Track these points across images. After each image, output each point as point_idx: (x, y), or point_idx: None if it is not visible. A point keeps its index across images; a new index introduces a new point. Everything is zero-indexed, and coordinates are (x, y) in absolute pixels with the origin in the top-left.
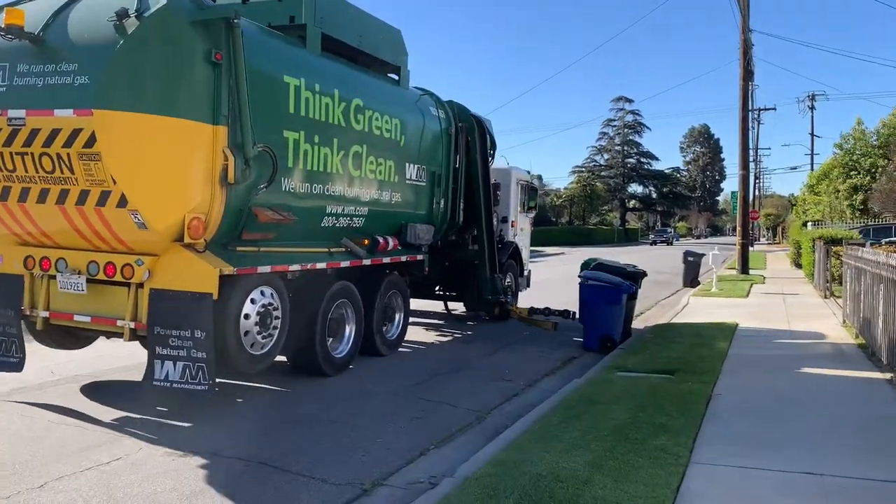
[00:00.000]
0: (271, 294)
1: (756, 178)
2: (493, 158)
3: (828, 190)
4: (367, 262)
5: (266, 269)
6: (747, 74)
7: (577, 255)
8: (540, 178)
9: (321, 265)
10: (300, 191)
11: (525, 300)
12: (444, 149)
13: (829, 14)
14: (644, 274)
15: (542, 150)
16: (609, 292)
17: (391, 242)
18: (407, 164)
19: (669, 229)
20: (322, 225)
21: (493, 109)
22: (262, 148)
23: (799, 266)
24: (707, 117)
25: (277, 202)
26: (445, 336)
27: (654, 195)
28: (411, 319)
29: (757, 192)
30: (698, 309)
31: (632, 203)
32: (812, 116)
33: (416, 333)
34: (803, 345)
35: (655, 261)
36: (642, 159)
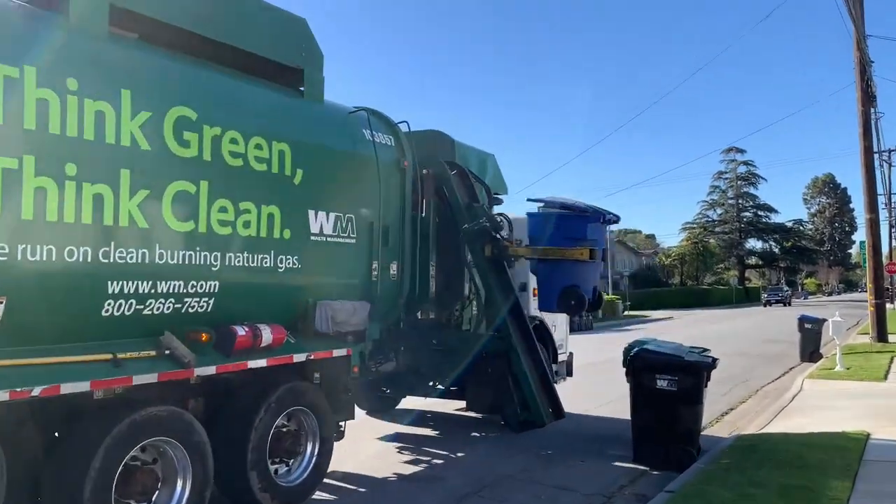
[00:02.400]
0: None
1: (893, 225)
2: (494, 203)
3: None
4: (208, 370)
5: None
6: (867, 98)
7: (686, 321)
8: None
9: (84, 386)
10: (28, 257)
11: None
12: (395, 190)
13: None
14: (712, 365)
15: (644, 204)
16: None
17: (268, 334)
18: (312, 212)
19: (785, 287)
20: (103, 314)
21: (566, 161)
22: None
23: None
24: (831, 165)
25: None
26: (419, 462)
27: (776, 250)
28: (385, 428)
29: (894, 242)
30: (813, 400)
31: (751, 260)
32: None
33: (378, 455)
34: None
35: (769, 326)
36: (759, 212)
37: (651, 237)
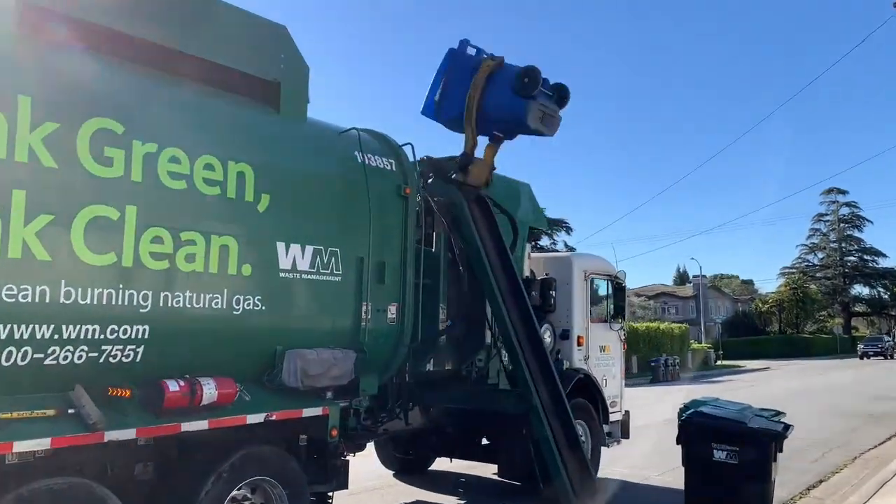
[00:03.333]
0: None
1: None
2: (521, 236)
3: None
4: (125, 435)
5: None
6: None
7: (783, 372)
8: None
9: None
10: None
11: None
12: (395, 221)
13: None
14: (782, 433)
15: (740, 248)
16: None
17: (211, 390)
18: (282, 245)
19: (886, 338)
20: None
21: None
22: None
23: None
24: None
25: None
26: None
27: (886, 297)
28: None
29: None
30: None
31: (858, 307)
32: None
33: None
34: None
35: (876, 380)
36: (866, 257)
37: (748, 283)
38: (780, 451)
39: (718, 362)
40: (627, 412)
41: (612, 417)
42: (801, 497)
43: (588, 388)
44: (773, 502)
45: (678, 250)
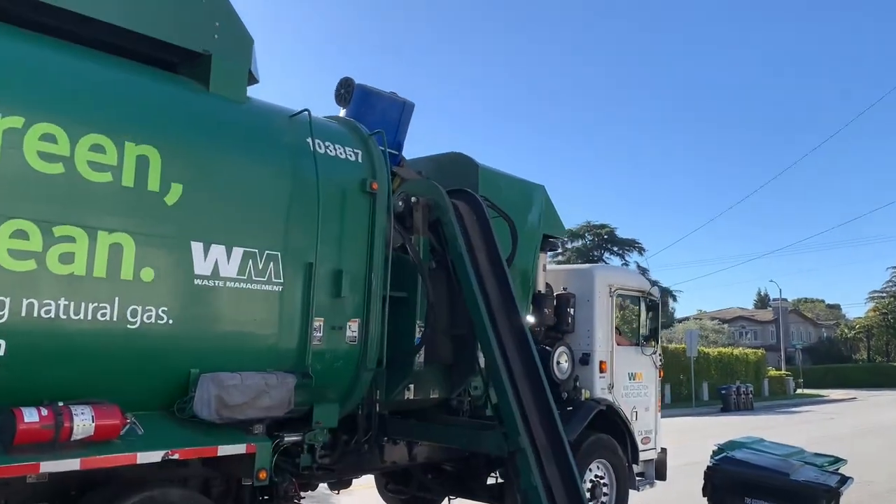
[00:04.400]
0: None
1: None
2: (537, 250)
3: None
4: None
5: None
6: None
7: (869, 403)
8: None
9: None
10: None
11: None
12: (357, 222)
13: None
14: (835, 490)
15: (825, 270)
16: None
17: (86, 422)
18: (199, 245)
19: None
20: None
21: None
22: None
23: None
24: None
25: None
26: None
27: None
28: None
29: None
30: None
31: None
32: None
33: None
34: None
35: None
36: None
37: (834, 307)
38: None
39: (798, 391)
40: (664, 450)
41: (645, 456)
42: None
43: (612, 422)
44: None
45: (759, 272)
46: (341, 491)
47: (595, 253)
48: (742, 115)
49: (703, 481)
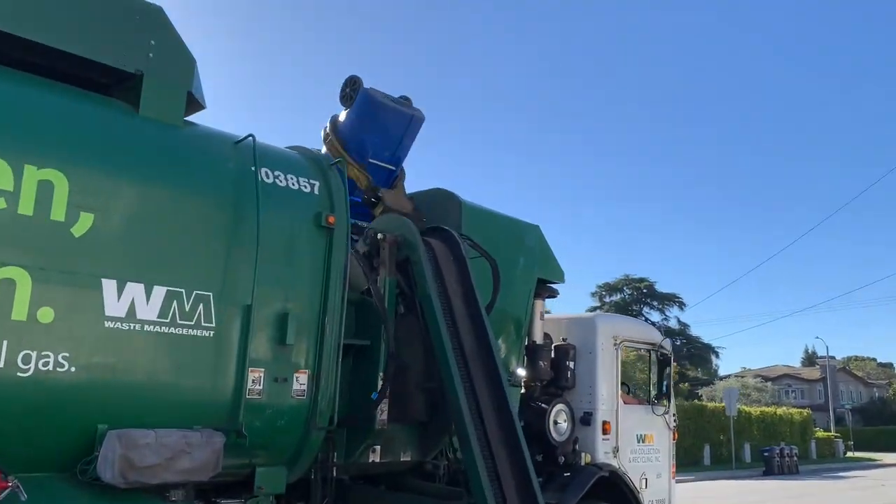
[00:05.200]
0: None
1: None
2: (530, 296)
3: None
4: None
5: None
6: None
7: None
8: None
9: None
10: None
11: None
12: (308, 260)
13: None
14: None
15: (875, 326)
16: None
17: None
18: (111, 283)
19: None
20: None
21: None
22: None
23: None
24: None
25: None
26: None
27: None
28: None
29: None
30: None
31: None
32: None
33: None
34: None
35: None
36: None
37: (886, 366)
38: None
39: (848, 454)
40: None
41: None
42: None
43: (618, 490)
44: None
45: (806, 328)
46: None
47: (634, 307)
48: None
49: None
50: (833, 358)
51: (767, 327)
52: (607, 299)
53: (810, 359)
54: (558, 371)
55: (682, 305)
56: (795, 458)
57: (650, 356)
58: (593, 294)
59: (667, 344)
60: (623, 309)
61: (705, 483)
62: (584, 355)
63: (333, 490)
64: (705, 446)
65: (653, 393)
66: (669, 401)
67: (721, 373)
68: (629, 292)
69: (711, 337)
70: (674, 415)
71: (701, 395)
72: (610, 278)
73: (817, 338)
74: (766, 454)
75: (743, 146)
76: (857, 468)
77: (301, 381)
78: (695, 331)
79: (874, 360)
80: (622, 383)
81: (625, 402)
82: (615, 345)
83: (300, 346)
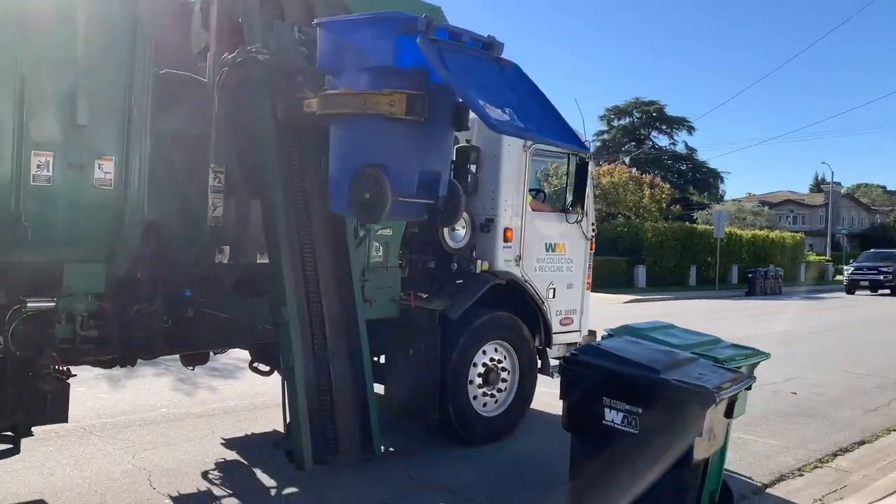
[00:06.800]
0: None
1: None
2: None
3: None
4: None
5: None
6: None
7: None
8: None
9: None
10: None
11: None
12: (106, 16)
13: None
14: (710, 392)
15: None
16: None
17: None
18: None
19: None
20: None
21: None
22: None
23: None
24: None
25: None
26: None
27: None
28: None
29: None
30: None
31: None
32: None
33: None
34: None
35: None
36: None
37: (893, 193)
38: (730, 415)
39: (838, 277)
40: (592, 332)
41: (565, 339)
42: (817, 466)
43: (520, 298)
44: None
45: (816, 154)
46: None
47: (642, 131)
48: None
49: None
50: (839, 184)
51: (777, 155)
52: (615, 123)
53: (818, 186)
54: (458, 175)
55: (691, 129)
56: (780, 280)
57: (569, 162)
58: (601, 117)
59: (589, 146)
60: (631, 132)
61: (680, 302)
62: (489, 159)
63: (161, 291)
64: (691, 267)
65: (569, 200)
66: (584, 208)
67: (727, 199)
68: (638, 115)
69: (718, 164)
70: (592, 224)
71: (696, 219)
72: (620, 101)
73: (823, 163)
74: (749, 275)
75: None
76: (840, 290)
77: (106, 168)
78: (702, 155)
79: (883, 187)
80: (538, 191)
81: (533, 209)
82: (524, 148)
83: (100, 130)
